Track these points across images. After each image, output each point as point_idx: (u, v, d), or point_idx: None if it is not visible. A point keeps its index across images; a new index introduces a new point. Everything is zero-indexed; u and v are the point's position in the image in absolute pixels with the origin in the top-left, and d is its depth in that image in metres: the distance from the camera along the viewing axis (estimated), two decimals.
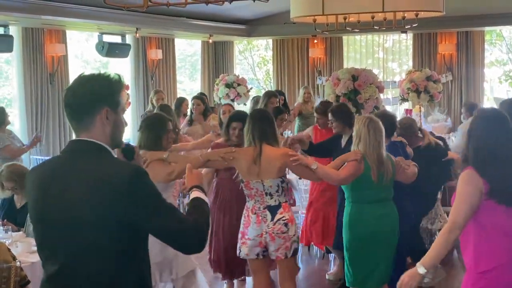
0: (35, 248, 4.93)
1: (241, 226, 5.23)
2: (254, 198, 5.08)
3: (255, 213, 5.09)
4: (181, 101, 10.05)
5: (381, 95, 8.32)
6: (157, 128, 5.01)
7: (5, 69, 12.53)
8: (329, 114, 6.33)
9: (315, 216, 6.80)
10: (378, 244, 5.12)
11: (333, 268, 7.11)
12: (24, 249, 4.89)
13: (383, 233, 5.14)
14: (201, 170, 4.55)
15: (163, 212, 2.61)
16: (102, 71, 2.72)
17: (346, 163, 5.13)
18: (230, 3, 6.01)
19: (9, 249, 4.25)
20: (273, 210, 5.05)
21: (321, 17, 8.91)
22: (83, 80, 2.66)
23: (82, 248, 2.55)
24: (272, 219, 5.02)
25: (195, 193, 2.93)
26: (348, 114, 6.33)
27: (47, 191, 2.61)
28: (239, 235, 5.23)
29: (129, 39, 13.26)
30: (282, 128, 7.67)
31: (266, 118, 5.15)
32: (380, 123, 5.20)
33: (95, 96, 2.63)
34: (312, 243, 7.13)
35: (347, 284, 5.41)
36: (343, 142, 6.25)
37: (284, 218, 5.04)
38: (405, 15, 8.81)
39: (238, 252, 5.26)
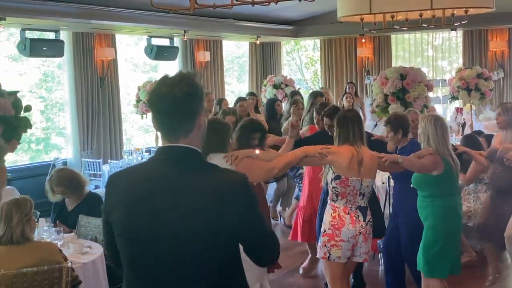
0: (86, 250, 5.04)
1: (326, 227, 5.00)
2: (346, 197, 4.97)
3: (348, 213, 4.97)
4: (220, 101, 10.12)
5: (431, 94, 8.20)
6: (222, 130, 4.77)
7: (57, 74, 12.77)
8: (326, 119, 6.38)
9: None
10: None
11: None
12: (75, 250, 4.96)
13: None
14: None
15: (262, 222, 2.50)
16: (183, 72, 2.52)
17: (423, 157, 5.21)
18: (276, 4, 5.98)
19: (60, 250, 4.32)
20: (363, 211, 5.01)
21: (369, 16, 8.82)
22: (176, 79, 2.44)
23: (186, 260, 2.36)
24: (364, 220, 4.98)
25: None
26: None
27: (146, 202, 2.39)
28: (324, 238, 4.98)
29: (177, 42, 13.37)
30: None
31: (361, 120, 5.24)
32: (445, 120, 5.37)
33: (195, 97, 2.45)
34: None
35: (426, 276, 5.35)
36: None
37: (371, 220, 5.07)
38: (455, 12, 8.65)
39: (324, 255, 4.98)
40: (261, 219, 2.49)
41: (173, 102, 2.39)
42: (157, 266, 2.38)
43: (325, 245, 4.95)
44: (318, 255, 5.13)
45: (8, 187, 8.50)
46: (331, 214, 4.99)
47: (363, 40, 15.10)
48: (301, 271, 7.13)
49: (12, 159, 12.72)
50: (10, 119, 4.76)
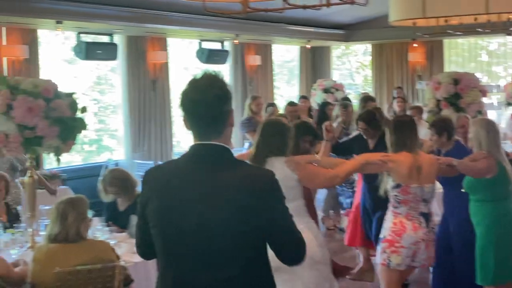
0: None
1: (386, 233, 4.96)
2: (409, 204, 4.91)
3: (410, 220, 4.90)
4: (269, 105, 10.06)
5: (485, 100, 8.07)
6: (283, 132, 4.62)
7: (110, 77, 12.98)
8: (361, 123, 6.41)
9: None
10: None
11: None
12: (127, 249, 5.03)
13: None
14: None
15: (289, 219, 2.62)
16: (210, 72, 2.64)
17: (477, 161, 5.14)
18: (329, 7, 5.96)
19: (113, 249, 4.39)
20: (426, 217, 4.94)
21: (421, 20, 8.75)
22: (207, 83, 2.57)
23: (215, 251, 2.50)
24: (427, 226, 4.93)
25: None
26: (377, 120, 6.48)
27: (180, 195, 2.54)
28: (384, 244, 4.93)
29: (227, 46, 13.45)
30: None
31: (416, 125, 5.19)
32: (495, 124, 5.30)
33: (226, 99, 2.60)
34: None
35: (482, 283, 5.27)
36: (371, 144, 6.41)
37: (434, 226, 5.03)
38: (511, 16, 8.52)
39: (383, 262, 4.94)
40: (288, 216, 2.61)
41: (207, 106, 2.54)
42: (188, 257, 2.53)
43: (385, 251, 4.89)
44: (376, 261, 5.08)
45: (62, 187, 8.72)
46: (392, 221, 4.93)
47: (415, 45, 14.94)
48: (354, 273, 7.09)
49: (66, 160, 12.98)
50: (67, 120, 4.85)
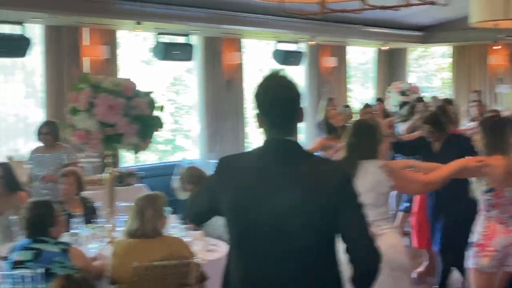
0: (212, 247, 5.15)
1: (477, 238, 4.82)
2: (501, 207, 4.77)
3: (501, 223, 4.76)
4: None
5: None
6: (374, 134, 4.44)
7: (185, 78, 13.16)
8: (426, 125, 6.29)
9: None
10: None
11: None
12: (202, 247, 5.07)
13: None
14: None
15: (363, 218, 2.64)
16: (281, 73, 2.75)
17: None
18: (408, 8, 5.87)
19: (188, 246, 4.44)
20: None
21: (504, 22, 8.49)
22: (284, 82, 2.69)
23: (287, 241, 2.56)
24: None
25: None
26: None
27: (255, 185, 2.62)
28: (475, 248, 4.79)
29: (303, 47, 13.43)
30: None
31: (507, 127, 5.01)
32: None
33: (300, 98, 2.71)
34: None
35: None
36: (437, 146, 6.28)
37: None
38: None
39: (473, 266, 4.80)
40: (362, 215, 2.64)
41: (291, 104, 2.66)
42: (262, 249, 2.61)
43: (476, 256, 4.76)
44: (466, 265, 4.97)
45: (139, 184, 8.89)
46: (484, 225, 4.80)
47: (497, 47, 14.52)
48: (415, 275, 6.98)
49: (142, 158, 13.25)
50: (146, 118, 4.94)
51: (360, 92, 17.33)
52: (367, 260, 2.63)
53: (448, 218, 6.08)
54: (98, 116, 4.78)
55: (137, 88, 5.09)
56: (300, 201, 2.55)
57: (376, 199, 4.20)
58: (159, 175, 10.68)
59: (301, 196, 2.55)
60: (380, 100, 10.97)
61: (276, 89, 2.66)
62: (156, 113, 5.19)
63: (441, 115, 6.48)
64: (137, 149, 5.02)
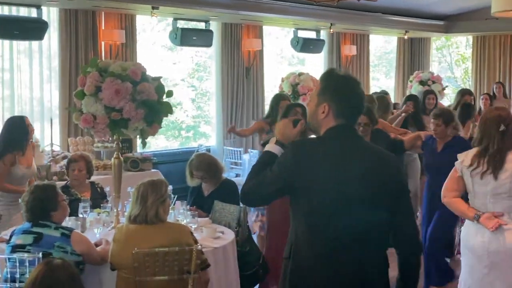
0: (218, 235, 5.13)
1: None
2: None
3: None
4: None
5: None
6: None
7: (208, 64, 13.13)
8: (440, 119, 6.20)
9: None
10: None
11: None
12: (208, 234, 5.05)
13: None
14: None
15: (412, 207, 3.11)
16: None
17: None
18: None
19: (191, 233, 4.41)
20: None
21: None
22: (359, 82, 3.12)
23: (368, 225, 2.91)
24: None
25: None
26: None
27: (335, 169, 2.92)
28: None
29: (323, 35, 13.31)
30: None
31: None
32: None
33: None
34: None
35: None
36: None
37: None
38: None
39: None
40: (411, 203, 3.07)
41: (363, 98, 3.08)
42: (334, 229, 2.91)
43: None
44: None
45: (153, 170, 8.89)
46: None
47: None
48: None
49: (164, 145, 13.27)
50: (153, 103, 4.89)
51: (384, 81, 17.18)
52: (416, 248, 3.09)
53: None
54: (104, 100, 4.74)
55: (146, 73, 5.04)
56: (370, 186, 2.91)
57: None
58: (176, 161, 10.71)
59: (371, 182, 2.91)
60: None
61: (355, 88, 3.04)
62: (165, 98, 5.14)
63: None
64: (144, 134, 4.98)
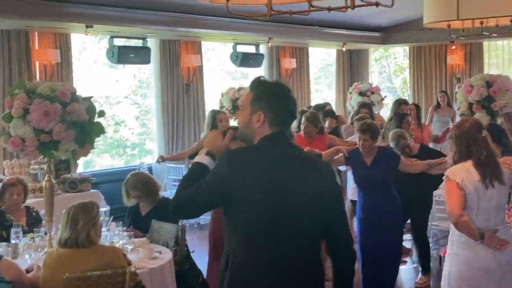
0: (156, 255, 5.06)
1: None
2: None
3: None
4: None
5: None
6: None
7: (151, 80, 13.05)
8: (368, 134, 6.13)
9: None
10: None
11: None
12: (145, 255, 4.98)
13: None
14: None
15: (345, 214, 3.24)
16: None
17: None
18: (353, 9, 5.82)
19: (125, 255, 4.35)
20: None
21: (457, 22, 8.51)
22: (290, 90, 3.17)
23: (299, 236, 2.94)
24: None
25: None
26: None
27: (272, 178, 2.93)
28: None
29: (262, 49, 13.38)
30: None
31: None
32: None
33: None
34: None
35: None
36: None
37: None
38: None
39: None
40: (345, 215, 3.16)
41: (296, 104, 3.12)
42: (276, 237, 2.92)
43: None
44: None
45: (93, 190, 8.75)
46: None
47: (453, 47, 14.64)
48: None
49: (109, 163, 13.10)
50: (84, 123, 4.82)
51: (328, 93, 17.35)
52: (352, 256, 3.13)
53: None
54: (33, 122, 4.65)
55: (76, 93, 4.97)
56: (310, 193, 2.94)
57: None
58: (117, 180, 10.54)
59: (312, 189, 2.95)
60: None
61: (293, 97, 3.09)
62: (97, 118, 5.07)
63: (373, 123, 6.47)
64: (75, 156, 4.90)
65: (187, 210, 3.08)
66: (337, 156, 6.29)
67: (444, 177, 4.29)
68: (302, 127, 7.58)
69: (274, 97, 3.02)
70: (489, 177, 4.15)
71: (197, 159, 3.12)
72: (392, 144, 6.68)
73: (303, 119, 7.61)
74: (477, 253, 4.16)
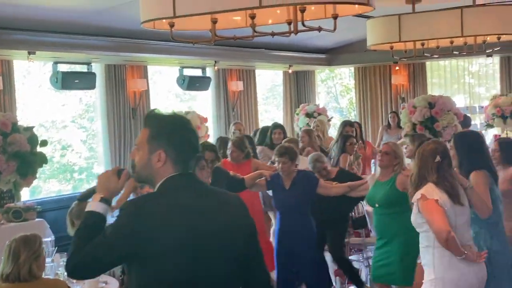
0: (102, 285, 4.99)
1: None
2: None
3: None
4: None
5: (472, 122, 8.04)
6: None
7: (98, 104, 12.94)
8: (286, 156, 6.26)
9: None
10: None
11: None
12: (91, 286, 4.93)
13: None
14: None
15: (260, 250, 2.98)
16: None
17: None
18: (296, 34, 5.89)
19: (69, 287, 4.27)
20: None
21: (399, 44, 8.70)
22: (188, 120, 2.89)
23: (226, 276, 2.71)
24: None
25: None
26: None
27: (198, 223, 2.65)
28: None
29: (209, 72, 13.39)
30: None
31: None
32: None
33: None
34: None
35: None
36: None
37: None
38: (487, 38, 8.47)
39: None
40: (261, 251, 2.89)
41: (198, 139, 2.84)
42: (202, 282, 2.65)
43: None
44: None
45: (38, 219, 8.56)
46: None
47: (397, 68, 14.93)
48: None
49: (57, 188, 12.86)
50: (26, 154, 4.75)
51: (276, 114, 17.46)
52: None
53: None
54: None
55: (17, 123, 4.89)
56: (230, 235, 2.70)
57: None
58: (66, 207, 10.36)
59: (231, 230, 2.71)
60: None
61: (191, 126, 2.81)
62: (39, 148, 5.00)
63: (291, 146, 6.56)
64: (17, 187, 4.81)
65: (86, 273, 2.73)
66: (259, 180, 6.31)
67: (417, 200, 4.28)
68: (228, 152, 7.51)
69: (174, 133, 2.73)
70: (455, 196, 4.26)
71: (89, 207, 2.77)
72: (309, 167, 6.78)
73: (229, 144, 7.56)
74: (463, 273, 4.20)
